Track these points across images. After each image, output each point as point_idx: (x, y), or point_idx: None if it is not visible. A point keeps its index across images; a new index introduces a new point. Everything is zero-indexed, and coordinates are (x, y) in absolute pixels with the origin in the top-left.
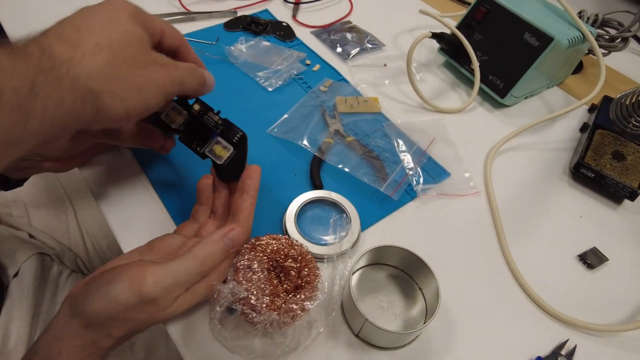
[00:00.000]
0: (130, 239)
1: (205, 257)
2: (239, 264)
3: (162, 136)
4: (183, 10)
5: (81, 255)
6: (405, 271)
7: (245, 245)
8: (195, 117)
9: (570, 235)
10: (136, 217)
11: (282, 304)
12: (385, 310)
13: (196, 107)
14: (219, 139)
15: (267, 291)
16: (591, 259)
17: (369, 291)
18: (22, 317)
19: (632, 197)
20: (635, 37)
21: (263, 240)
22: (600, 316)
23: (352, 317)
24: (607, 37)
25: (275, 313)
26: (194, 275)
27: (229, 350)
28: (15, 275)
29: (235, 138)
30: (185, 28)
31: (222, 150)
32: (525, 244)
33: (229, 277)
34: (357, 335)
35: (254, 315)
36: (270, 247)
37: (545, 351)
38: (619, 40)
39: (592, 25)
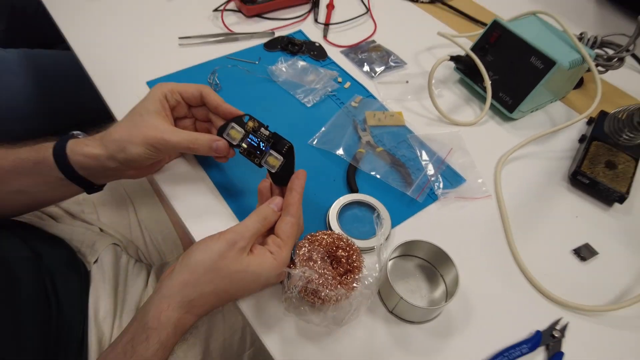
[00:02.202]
0: (200, 231)
1: (264, 215)
2: (301, 254)
3: (228, 149)
4: (227, 31)
5: (141, 247)
6: (430, 261)
7: (303, 240)
8: (249, 133)
9: (567, 233)
10: (205, 213)
11: (337, 284)
12: (413, 292)
13: (250, 124)
14: (271, 151)
15: (327, 274)
16: (584, 252)
17: (400, 277)
18: (106, 296)
19: (621, 201)
20: (633, 55)
21: (317, 235)
22: (589, 299)
23: (388, 296)
24: (605, 57)
25: (340, 289)
26: (260, 227)
27: (303, 321)
28: (95, 262)
29: (284, 149)
30: (229, 48)
31: (275, 160)
32: (529, 239)
33: (294, 265)
34: (391, 312)
35: (326, 292)
36: (324, 241)
37: (543, 327)
38: (616, 59)
39: (592, 46)
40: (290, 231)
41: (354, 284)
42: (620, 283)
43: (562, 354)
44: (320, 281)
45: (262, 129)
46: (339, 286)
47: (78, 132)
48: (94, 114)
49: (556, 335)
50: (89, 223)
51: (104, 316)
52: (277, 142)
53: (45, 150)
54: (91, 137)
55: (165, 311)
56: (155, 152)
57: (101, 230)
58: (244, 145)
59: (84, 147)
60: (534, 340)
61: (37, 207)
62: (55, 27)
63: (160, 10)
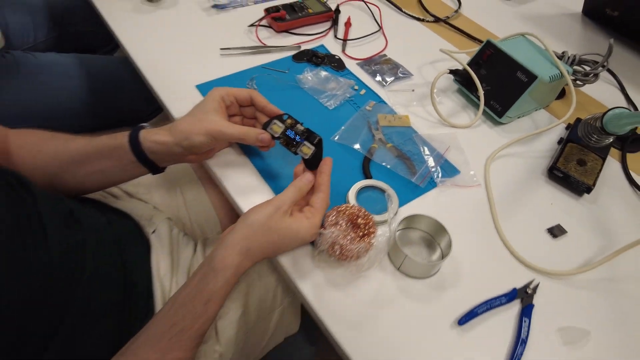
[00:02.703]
0: (247, 205)
1: (300, 187)
2: (330, 220)
3: (271, 140)
4: (260, 44)
5: (186, 224)
6: (429, 233)
7: (331, 210)
8: (288, 128)
9: (543, 216)
10: (250, 192)
11: (358, 241)
12: (415, 256)
13: (289, 121)
14: (305, 142)
15: (350, 235)
16: (556, 231)
17: (404, 245)
18: (164, 258)
19: (589, 191)
20: (609, 70)
21: (342, 207)
22: (556, 267)
23: (396, 256)
24: (583, 72)
25: (360, 243)
26: (296, 196)
27: (330, 272)
28: (153, 232)
29: (315, 141)
30: (263, 59)
31: (307, 149)
32: (510, 219)
33: (323, 228)
34: (398, 269)
35: (349, 246)
36: (347, 211)
37: (519, 285)
38: (592, 75)
39: (571, 64)
40: (321, 203)
41: (371, 242)
42: (582, 256)
43: (532, 305)
44: (345, 239)
45: (298, 125)
46: (359, 243)
47: (145, 124)
48: (130, 114)
49: (529, 291)
50: (144, 201)
51: (164, 273)
52: (309, 135)
53: (122, 137)
54: (160, 127)
55: (229, 256)
56: (213, 141)
57: (155, 207)
58: (283, 137)
59: (154, 135)
60: (511, 295)
61: (110, 185)
62: (99, 34)
63: (203, 24)
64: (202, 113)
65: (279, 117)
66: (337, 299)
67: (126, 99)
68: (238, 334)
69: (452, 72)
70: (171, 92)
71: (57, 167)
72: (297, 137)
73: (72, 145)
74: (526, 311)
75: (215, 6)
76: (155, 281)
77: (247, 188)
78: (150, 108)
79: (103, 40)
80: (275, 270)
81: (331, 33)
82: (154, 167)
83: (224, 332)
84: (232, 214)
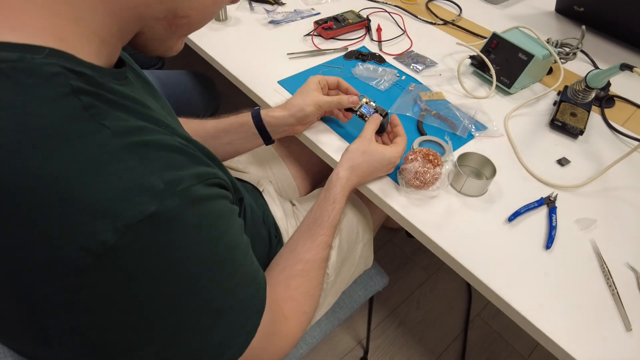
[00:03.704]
0: (337, 156)
1: (370, 121)
2: (410, 158)
3: (358, 101)
4: (315, 49)
5: (276, 189)
6: (476, 167)
7: (409, 152)
8: (363, 105)
9: (551, 153)
10: (337, 149)
11: (433, 167)
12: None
13: (364, 100)
14: (376, 113)
15: (427, 165)
16: (563, 162)
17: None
18: (277, 208)
19: (582, 133)
20: (582, 51)
21: (417, 149)
22: (568, 182)
23: (457, 182)
24: (564, 52)
25: (436, 168)
26: (372, 128)
27: (415, 195)
28: (262, 191)
29: (383, 113)
30: (321, 59)
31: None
32: (529, 157)
33: (405, 164)
34: (459, 191)
35: (429, 172)
36: (421, 152)
37: (544, 196)
38: (571, 54)
39: (555, 46)
40: (401, 140)
41: (441, 170)
42: (584, 175)
43: (555, 207)
44: (424, 167)
45: (371, 102)
46: (434, 168)
47: (258, 107)
48: (193, 113)
49: (552, 199)
50: (245, 172)
51: (280, 217)
52: (379, 109)
53: (245, 116)
54: (276, 106)
55: (341, 171)
56: (318, 110)
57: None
58: (359, 111)
59: (273, 112)
60: (540, 202)
61: (235, 155)
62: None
63: (266, 36)
64: (307, 92)
65: (358, 97)
66: (419, 213)
67: (189, 106)
68: (337, 259)
69: (471, 57)
70: (262, 88)
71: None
72: (371, 111)
73: (207, 124)
74: (552, 210)
75: (272, 22)
76: (279, 222)
77: (335, 147)
78: (209, 110)
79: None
80: (356, 214)
81: (367, 37)
82: (268, 138)
83: (329, 258)
84: (306, 182)
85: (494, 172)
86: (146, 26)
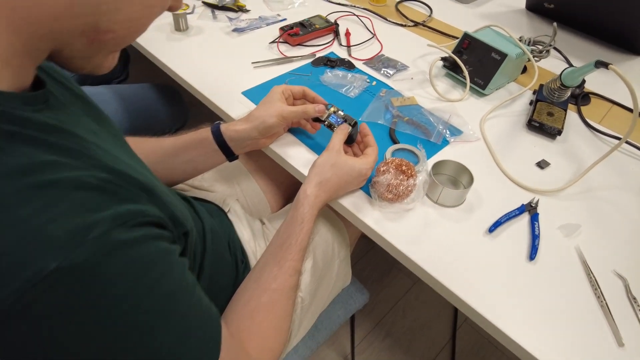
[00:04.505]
0: (306, 169)
1: (337, 132)
2: (382, 170)
3: (325, 110)
4: (282, 56)
5: (245, 207)
6: (453, 175)
7: (381, 163)
8: (332, 114)
9: (530, 155)
10: (305, 164)
11: (407, 179)
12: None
13: (332, 109)
14: (344, 123)
15: (400, 177)
16: (542, 164)
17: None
18: (244, 229)
19: (559, 133)
20: (555, 48)
21: (389, 160)
22: (549, 186)
23: (433, 192)
24: (537, 50)
25: (410, 180)
26: (341, 138)
27: (388, 209)
28: (228, 211)
29: (352, 122)
30: (288, 67)
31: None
32: (508, 161)
33: (377, 176)
34: (436, 202)
35: (402, 184)
36: (393, 162)
37: (524, 202)
38: (544, 52)
39: (528, 44)
40: (372, 151)
41: (415, 182)
42: (564, 178)
43: (537, 214)
44: (396, 180)
45: (339, 111)
46: (407, 181)
47: (220, 121)
48: (159, 129)
49: (533, 205)
50: (210, 191)
51: (248, 239)
52: (348, 118)
53: (205, 132)
54: (236, 120)
55: (308, 188)
56: (282, 121)
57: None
58: (327, 121)
59: (234, 126)
60: (521, 208)
61: (197, 173)
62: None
63: (230, 45)
64: (270, 103)
65: (325, 106)
66: (394, 228)
67: (154, 118)
68: (312, 280)
69: (442, 59)
70: (224, 100)
71: (153, 161)
72: (339, 120)
73: (164, 142)
74: (534, 217)
75: (236, 30)
76: (245, 245)
77: (303, 160)
78: (176, 124)
79: (116, 72)
80: (330, 229)
81: (336, 42)
82: (231, 154)
83: (302, 279)
84: (278, 197)
85: (471, 180)
86: (63, 43)
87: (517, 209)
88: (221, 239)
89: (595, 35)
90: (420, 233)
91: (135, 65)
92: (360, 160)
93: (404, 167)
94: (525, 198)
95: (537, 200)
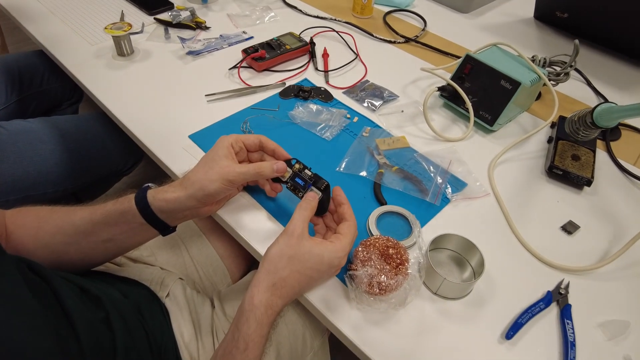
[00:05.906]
0: (264, 247)
1: (304, 207)
2: (360, 257)
3: (286, 169)
4: (245, 85)
5: (197, 280)
6: (457, 251)
7: (359, 246)
8: (296, 173)
9: (553, 214)
10: (266, 236)
11: (395, 274)
12: (448, 277)
13: (297, 166)
14: (312, 187)
15: (385, 268)
16: (569, 228)
17: (436, 266)
18: (186, 323)
19: (589, 184)
20: (577, 69)
21: (370, 240)
22: (581, 262)
23: (432, 281)
24: (554, 73)
25: (398, 276)
26: (305, 215)
27: (373, 309)
28: (167, 296)
29: (322, 187)
30: (250, 100)
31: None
32: (525, 223)
33: (355, 267)
34: (435, 293)
35: (388, 281)
36: (377, 243)
37: (551, 288)
38: (563, 74)
39: (543, 66)
40: (348, 230)
41: (407, 271)
42: (600, 247)
43: (569, 305)
44: (382, 274)
45: (306, 170)
46: (397, 275)
47: (150, 184)
48: (110, 169)
49: (562, 292)
50: (150, 264)
51: (189, 340)
52: (317, 180)
53: (127, 201)
54: (169, 184)
55: (256, 295)
56: (228, 185)
57: (162, 269)
58: (291, 182)
59: (164, 194)
60: (547, 299)
61: (121, 252)
62: (61, 90)
63: (182, 73)
64: (213, 161)
65: (287, 162)
66: (380, 336)
67: (103, 155)
68: None
69: (439, 89)
70: (165, 147)
71: (61, 241)
72: (306, 184)
73: (75, 217)
74: (566, 312)
75: (190, 53)
76: (182, 350)
77: (262, 232)
78: (130, 160)
79: (66, 94)
80: (301, 315)
81: (311, 66)
82: (164, 228)
83: None
84: (239, 261)
85: (481, 263)
86: None
87: (542, 300)
88: (140, 349)
89: (615, 48)
90: (415, 342)
91: None
92: (331, 246)
93: (390, 251)
94: (551, 279)
95: (568, 284)
